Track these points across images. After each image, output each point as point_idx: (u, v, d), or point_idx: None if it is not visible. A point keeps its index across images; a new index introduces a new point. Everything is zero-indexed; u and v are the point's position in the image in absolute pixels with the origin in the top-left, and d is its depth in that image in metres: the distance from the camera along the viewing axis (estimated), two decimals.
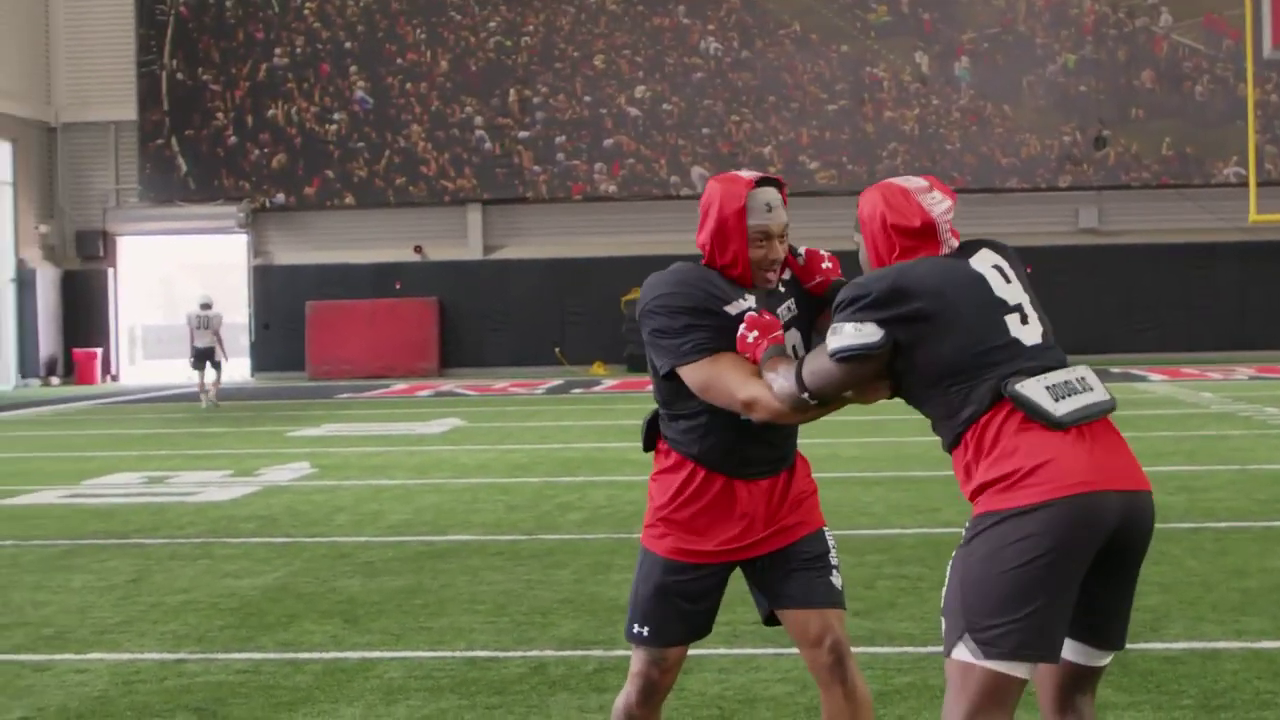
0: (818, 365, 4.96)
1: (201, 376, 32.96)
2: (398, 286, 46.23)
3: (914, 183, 5.11)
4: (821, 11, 46.18)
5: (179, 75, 47.11)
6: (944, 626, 4.73)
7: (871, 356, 4.86)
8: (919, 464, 17.85)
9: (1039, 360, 4.80)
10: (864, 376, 4.94)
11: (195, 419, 29.39)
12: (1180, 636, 8.83)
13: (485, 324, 46.00)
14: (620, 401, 31.31)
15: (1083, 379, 4.81)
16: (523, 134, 46.52)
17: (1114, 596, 4.81)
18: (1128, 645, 8.43)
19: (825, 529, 5.74)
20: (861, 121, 46.01)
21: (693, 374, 5.37)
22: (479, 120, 46.61)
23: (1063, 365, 4.83)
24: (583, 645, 8.94)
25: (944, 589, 4.79)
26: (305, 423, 27.34)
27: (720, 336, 5.36)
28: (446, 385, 39.88)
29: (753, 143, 46.01)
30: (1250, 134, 40.48)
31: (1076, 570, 4.60)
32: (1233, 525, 12.98)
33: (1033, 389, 4.69)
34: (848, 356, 4.86)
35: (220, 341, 32.91)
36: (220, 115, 47.05)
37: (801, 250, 5.70)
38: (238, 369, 33.98)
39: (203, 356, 32.78)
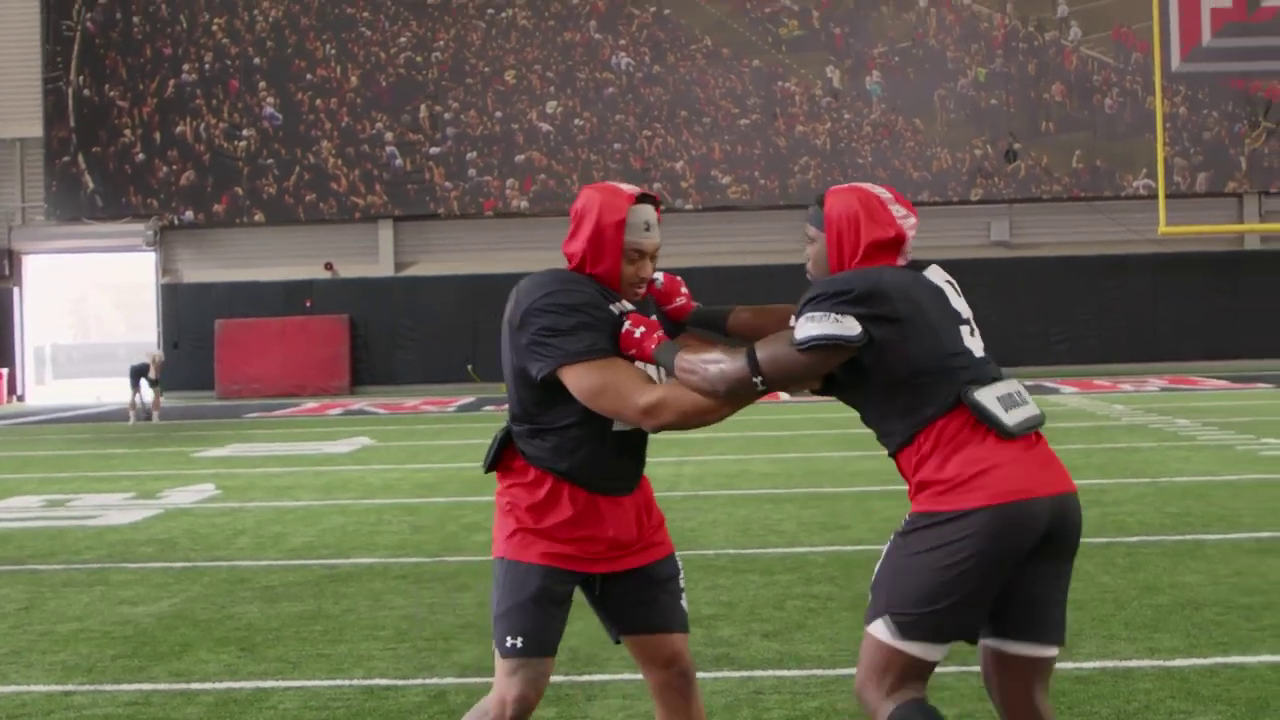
0: (778, 352, 4.99)
1: (134, 394, 33.37)
2: (308, 304, 45.87)
3: (885, 193, 5.21)
4: (733, 26, 46.14)
5: (86, 92, 46.61)
6: (869, 598, 5.03)
7: (843, 349, 4.93)
8: (830, 480, 17.74)
9: (986, 371, 5.04)
10: (824, 369, 5.02)
11: (99, 440, 28.96)
12: (1093, 655, 8.69)
13: (397, 341, 45.71)
14: None
15: (1020, 393, 5.07)
16: (434, 150, 46.26)
17: (1049, 589, 5.02)
18: None
19: (675, 552, 5.75)
20: (773, 136, 45.98)
21: (583, 375, 5.18)
22: (389, 136, 46.33)
23: (1002, 378, 5.07)
24: (484, 672, 8.67)
25: (877, 565, 5.05)
26: (211, 443, 26.97)
27: (610, 340, 5.24)
28: (357, 403, 39.47)
29: (665, 158, 45.90)
30: (1159, 146, 40.71)
31: (1003, 570, 4.86)
32: (1144, 539, 12.88)
33: (987, 398, 4.93)
34: (821, 345, 4.92)
35: (155, 360, 33.53)
36: (128, 132, 46.57)
37: (659, 276, 5.68)
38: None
39: (138, 374, 33.28)
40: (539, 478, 5.43)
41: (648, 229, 5.38)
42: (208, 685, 8.64)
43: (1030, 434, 5.00)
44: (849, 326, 4.89)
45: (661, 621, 5.57)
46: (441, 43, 46.47)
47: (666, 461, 20.06)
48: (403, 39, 46.49)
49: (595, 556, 5.47)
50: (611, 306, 5.31)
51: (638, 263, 5.39)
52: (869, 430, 5.25)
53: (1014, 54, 46.01)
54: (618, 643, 5.73)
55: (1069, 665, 8.42)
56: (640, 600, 5.57)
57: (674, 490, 17.31)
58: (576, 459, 5.37)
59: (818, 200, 5.28)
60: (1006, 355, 42.89)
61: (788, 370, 4.99)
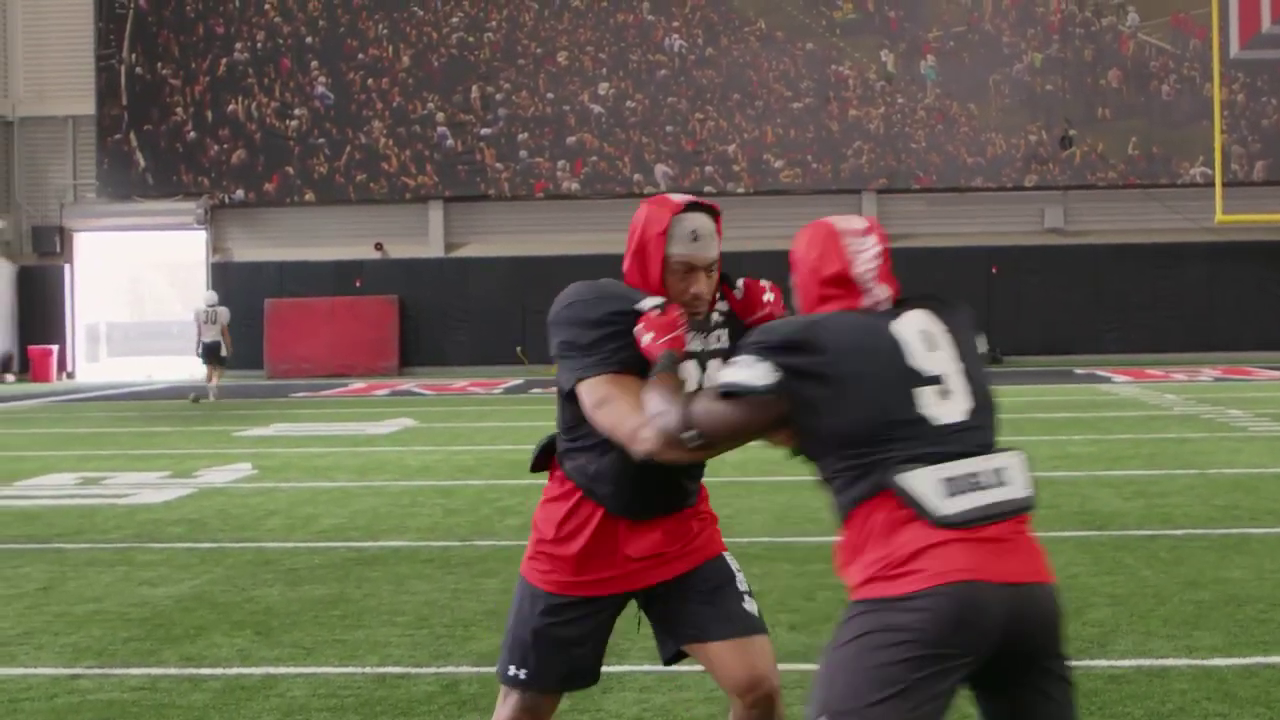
0: (711, 403, 4.41)
1: (210, 371, 33.50)
2: (358, 284, 45.76)
3: (849, 224, 4.57)
4: (786, 9, 45.81)
5: (138, 69, 46.59)
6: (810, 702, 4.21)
7: (757, 401, 4.31)
8: None
9: (947, 445, 4.21)
10: (754, 424, 4.38)
11: (144, 418, 28.85)
12: (1129, 653, 8.42)
13: (446, 322, 45.56)
14: None
15: (1000, 470, 4.24)
16: (485, 131, 46.08)
17: (1037, 707, 4.21)
18: (1073, 663, 8.08)
19: (727, 554, 5.30)
20: (826, 120, 45.64)
21: (590, 391, 4.84)
22: (441, 117, 46.17)
23: (981, 451, 4.26)
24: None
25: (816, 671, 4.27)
26: (254, 422, 26.83)
27: (633, 355, 4.82)
28: (405, 384, 39.38)
29: (717, 141, 45.62)
30: (1216, 134, 40.34)
31: (948, 670, 4.05)
32: (1190, 533, 12.58)
33: (923, 481, 4.15)
34: (733, 392, 4.32)
35: (225, 336, 33.55)
36: (179, 110, 46.55)
37: (739, 282, 5.21)
38: (192, 367, 33.64)
39: (210, 351, 33.34)
40: (569, 491, 5.14)
41: (695, 239, 4.95)
42: (217, 670, 8.44)
43: (990, 525, 4.16)
44: (761, 375, 4.28)
45: (713, 628, 5.11)
46: (494, 23, 46.28)
47: None
48: (455, 19, 46.32)
49: (612, 574, 5.15)
50: (638, 305, 4.88)
51: (687, 278, 4.96)
52: None
53: (1070, 39, 45.55)
54: (667, 664, 5.35)
55: (1102, 663, 8.18)
56: (686, 610, 5.16)
57: (716, 476, 17.02)
58: (604, 479, 5.06)
59: None
60: (1058, 343, 42.65)
61: (718, 424, 4.38)
